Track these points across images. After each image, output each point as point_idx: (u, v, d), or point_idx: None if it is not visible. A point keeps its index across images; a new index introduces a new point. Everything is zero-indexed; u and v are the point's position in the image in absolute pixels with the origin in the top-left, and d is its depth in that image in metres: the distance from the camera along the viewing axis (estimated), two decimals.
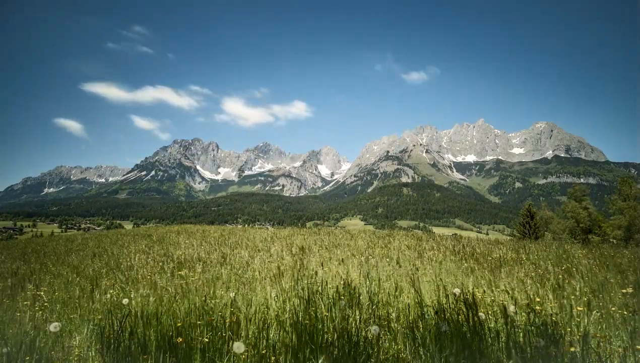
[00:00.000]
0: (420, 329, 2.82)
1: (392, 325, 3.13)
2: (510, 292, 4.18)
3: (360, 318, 3.21)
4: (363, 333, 2.81)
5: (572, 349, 2.34)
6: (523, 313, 2.95)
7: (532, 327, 2.70)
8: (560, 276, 5.13)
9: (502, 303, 3.25)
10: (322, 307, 3.50)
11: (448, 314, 3.18)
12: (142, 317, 3.22)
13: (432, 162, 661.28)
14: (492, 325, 2.79)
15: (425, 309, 3.32)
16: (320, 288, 4.06)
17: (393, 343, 2.86)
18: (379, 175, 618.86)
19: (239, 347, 2.22)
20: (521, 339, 2.55)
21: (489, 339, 2.60)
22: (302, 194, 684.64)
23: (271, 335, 2.95)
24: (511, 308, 2.83)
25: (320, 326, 3.13)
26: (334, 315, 3.21)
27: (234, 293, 4.03)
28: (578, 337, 2.51)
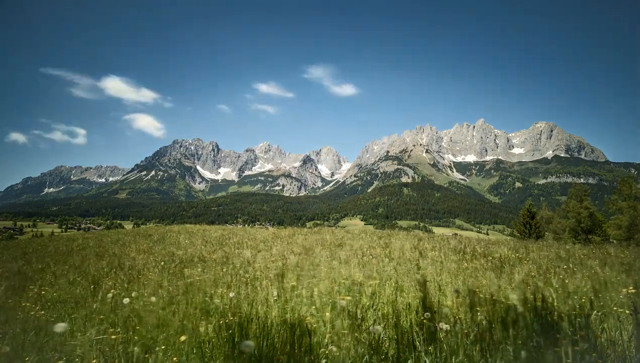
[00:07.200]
0: (424, 328, 2.82)
1: (394, 324, 3.12)
2: (512, 291, 4.18)
3: (362, 317, 3.21)
4: (364, 334, 2.81)
5: (576, 348, 2.35)
6: (526, 312, 2.95)
7: (536, 326, 2.70)
8: (561, 276, 5.13)
9: (505, 302, 3.25)
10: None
11: (450, 313, 3.18)
12: (145, 316, 3.22)
13: (432, 162, 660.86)
14: (495, 325, 2.79)
15: (426, 308, 3.31)
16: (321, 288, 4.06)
17: (394, 343, 2.85)
18: (379, 175, 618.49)
19: (247, 345, 2.29)
20: (525, 338, 2.54)
21: (493, 338, 2.60)
22: (302, 194, 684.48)
23: (272, 334, 2.95)
24: (514, 307, 2.83)
25: (321, 325, 3.13)
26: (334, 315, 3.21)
27: (233, 293, 4.03)
28: (580, 335, 2.52)
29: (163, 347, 2.86)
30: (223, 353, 2.74)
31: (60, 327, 2.55)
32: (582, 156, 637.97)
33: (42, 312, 3.88)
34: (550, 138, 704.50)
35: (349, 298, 3.53)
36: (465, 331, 2.73)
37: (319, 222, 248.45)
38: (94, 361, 2.78)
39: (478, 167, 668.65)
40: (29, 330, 3.11)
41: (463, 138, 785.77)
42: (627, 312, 3.16)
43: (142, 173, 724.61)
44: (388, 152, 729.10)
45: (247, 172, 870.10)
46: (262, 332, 2.85)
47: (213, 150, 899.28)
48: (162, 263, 6.98)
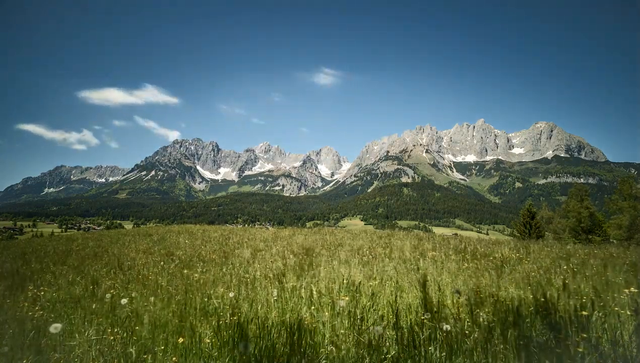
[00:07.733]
0: (425, 328, 2.80)
1: (394, 324, 3.11)
2: (513, 291, 4.17)
3: (362, 317, 3.20)
4: (364, 334, 2.80)
5: (580, 349, 2.34)
6: (527, 313, 2.94)
7: (537, 326, 2.69)
8: (563, 276, 5.12)
9: (506, 302, 3.24)
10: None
11: (450, 314, 3.17)
12: (144, 316, 3.21)
13: (432, 162, 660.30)
14: (495, 325, 2.77)
15: (426, 309, 3.30)
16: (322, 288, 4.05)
17: (395, 343, 2.84)
18: (379, 175, 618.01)
19: (244, 345, 2.32)
20: (526, 338, 2.53)
21: (494, 338, 2.59)
22: (302, 194, 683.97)
23: (272, 334, 2.94)
24: (514, 307, 2.82)
25: (320, 326, 3.12)
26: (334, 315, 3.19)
27: (233, 293, 4.02)
28: (581, 337, 2.50)
29: (162, 347, 2.84)
30: (222, 353, 2.73)
31: (55, 327, 2.53)
32: (582, 156, 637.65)
33: (41, 312, 3.86)
34: (550, 138, 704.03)
35: (347, 298, 3.52)
36: (466, 331, 2.72)
37: (319, 222, 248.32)
38: (93, 361, 2.77)
39: (478, 167, 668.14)
40: (27, 330, 3.09)
41: (463, 138, 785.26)
42: (628, 312, 3.15)
43: (142, 173, 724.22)
44: (388, 152, 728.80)
45: (247, 172, 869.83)
46: (262, 332, 2.84)
47: (213, 150, 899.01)
48: (162, 263, 6.97)
